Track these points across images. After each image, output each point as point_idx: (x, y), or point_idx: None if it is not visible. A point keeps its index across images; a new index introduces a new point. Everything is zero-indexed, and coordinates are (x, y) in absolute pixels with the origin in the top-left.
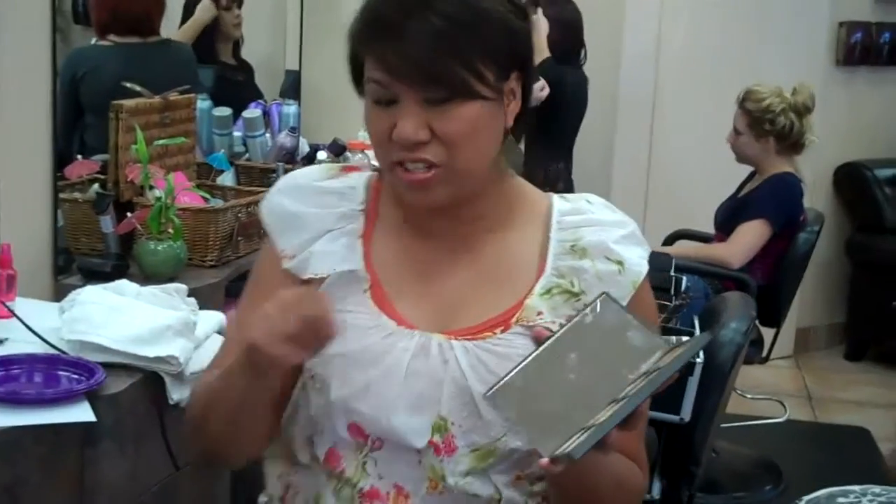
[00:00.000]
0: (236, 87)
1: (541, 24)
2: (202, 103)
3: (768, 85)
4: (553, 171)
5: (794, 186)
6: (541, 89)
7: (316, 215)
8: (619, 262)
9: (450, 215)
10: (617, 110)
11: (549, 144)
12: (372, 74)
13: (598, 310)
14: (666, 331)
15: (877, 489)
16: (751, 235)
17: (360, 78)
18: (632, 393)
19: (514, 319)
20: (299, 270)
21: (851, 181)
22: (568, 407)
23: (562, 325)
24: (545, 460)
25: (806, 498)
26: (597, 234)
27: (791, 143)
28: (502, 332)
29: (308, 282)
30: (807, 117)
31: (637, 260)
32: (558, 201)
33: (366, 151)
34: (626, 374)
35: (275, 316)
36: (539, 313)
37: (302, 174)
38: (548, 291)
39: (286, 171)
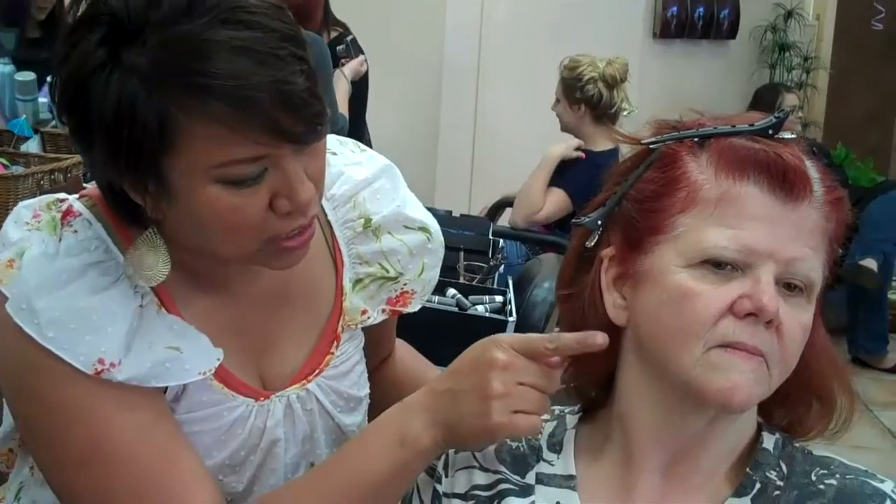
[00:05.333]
0: (45, 52)
1: None
2: (3, 67)
3: (587, 55)
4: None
5: (596, 167)
6: (361, 64)
7: (102, 302)
8: (424, 229)
9: None
10: (442, 80)
11: (361, 113)
12: (237, 154)
13: None
14: (482, 290)
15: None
16: (551, 201)
17: (151, 168)
18: None
19: (339, 328)
20: (146, 379)
21: None
22: None
23: None
24: None
25: None
26: (378, 201)
27: (602, 112)
28: (336, 346)
29: (159, 390)
30: (618, 88)
31: (428, 218)
32: None
33: None
34: None
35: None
36: (363, 312)
37: (39, 257)
38: (359, 282)
39: None
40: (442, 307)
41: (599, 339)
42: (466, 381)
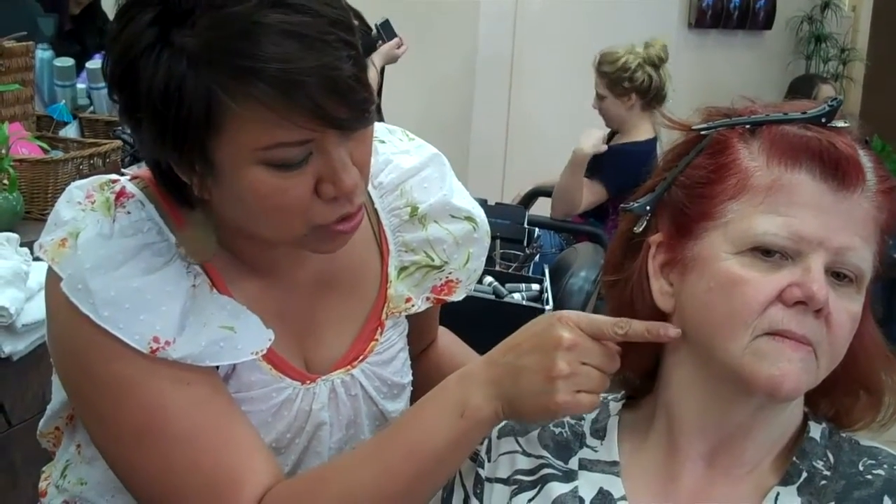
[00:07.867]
0: (83, 38)
1: None
2: (43, 53)
3: (620, 45)
4: None
5: (638, 156)
6: (396, 47)
7: (156, 281)
8: (470, 219)
9: None
10: (475, 68)
11: None
12: (281, 137)
13: None
14: (518, 278)
15: None
16: (587, 192)
17: (198, 150)
18: None
19: (384, 315)
20: (200, 358)
21: None
22: None
23: None
24: None
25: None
26: (425, 190)
27: (652, 96)
28: (380, 333)
29: (211, 368)
30: (663, 68)
31: (475, 207)
32: None
33: None
34: None
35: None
36: (408, 300)
37: (94, 238)
38: (404, 270)
39: None
40: (479, 294)
41: (672, 332)
42: (530, 357)
